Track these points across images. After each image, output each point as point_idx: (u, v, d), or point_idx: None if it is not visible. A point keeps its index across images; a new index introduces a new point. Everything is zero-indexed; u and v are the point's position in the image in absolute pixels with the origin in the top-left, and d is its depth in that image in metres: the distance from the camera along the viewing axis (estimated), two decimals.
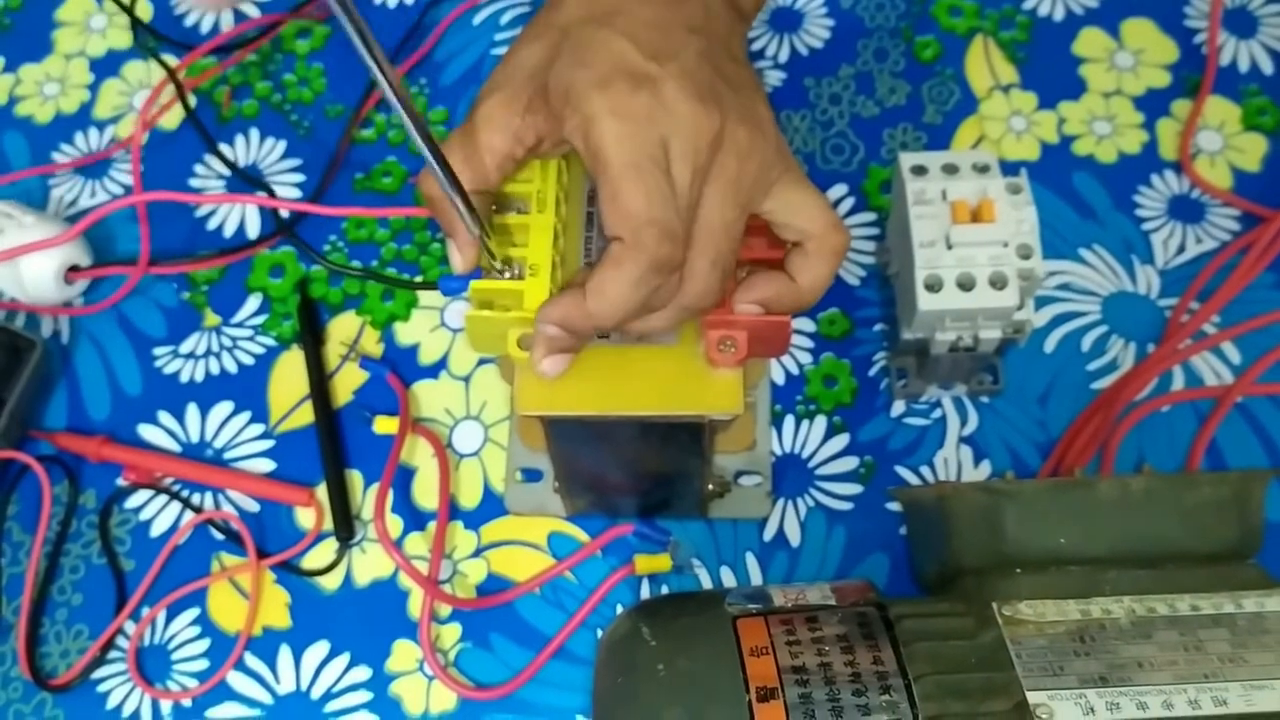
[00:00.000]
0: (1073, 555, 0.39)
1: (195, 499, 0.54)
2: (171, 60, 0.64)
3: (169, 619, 0.52)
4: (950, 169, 0.50)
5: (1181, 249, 0.57)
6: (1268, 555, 0.49)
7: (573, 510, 0.53)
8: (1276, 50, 0.62)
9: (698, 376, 0.42)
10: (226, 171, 0.61)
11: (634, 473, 0.48)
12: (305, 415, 0.56)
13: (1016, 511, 0.39)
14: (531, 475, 0.54)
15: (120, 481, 0.54)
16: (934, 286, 0.48)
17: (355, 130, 0.62)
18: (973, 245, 0.48)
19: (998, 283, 0.48)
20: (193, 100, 0.63)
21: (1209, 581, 0.38)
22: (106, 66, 0.65)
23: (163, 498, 0.54)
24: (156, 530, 0.54)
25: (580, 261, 0.44)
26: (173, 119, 0.63)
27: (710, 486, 0.51)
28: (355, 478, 0.54)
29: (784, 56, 0.63)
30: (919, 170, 0.50)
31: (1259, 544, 0.40)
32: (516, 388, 0.43)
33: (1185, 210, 0.58)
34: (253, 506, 0.54)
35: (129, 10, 0.65)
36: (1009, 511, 0.39)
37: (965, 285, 0.48)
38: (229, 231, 0.60)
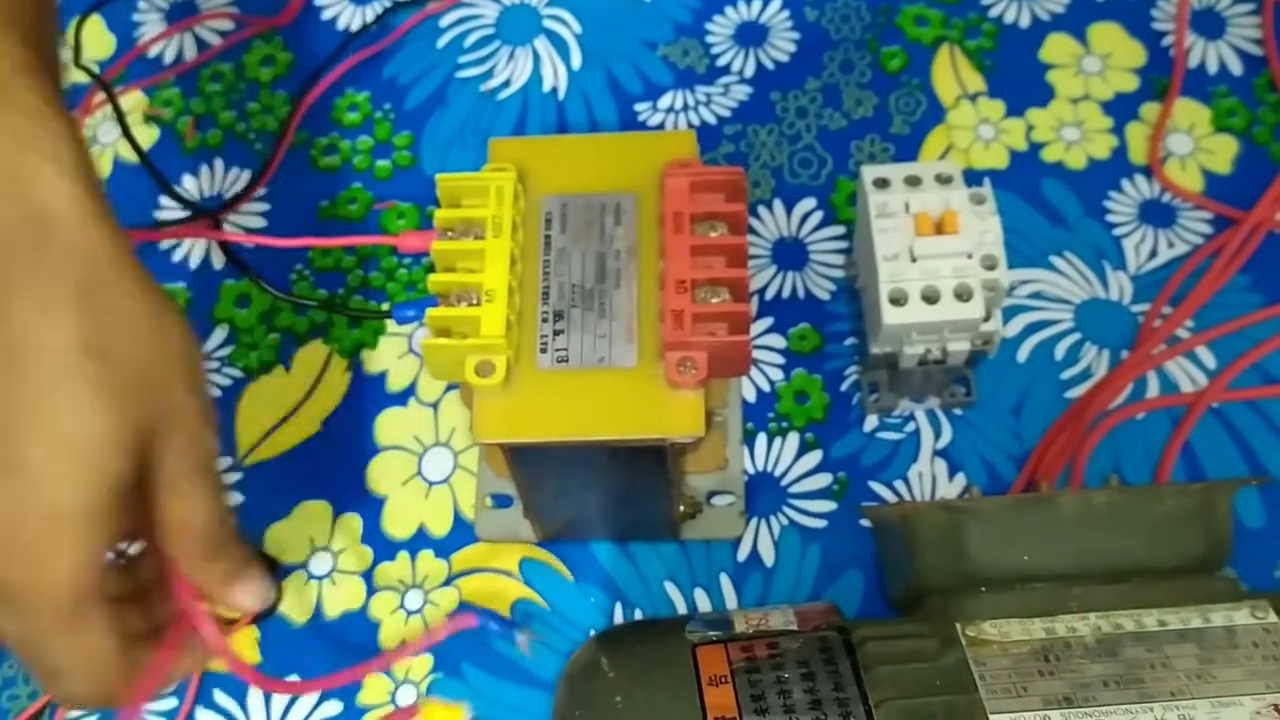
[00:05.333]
0: (1037, 572, 0.38)
1: None
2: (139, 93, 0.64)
3: None
4: (913, 181, 0.49)
5: (1154, 254, 0.57)
6: (1247, 562, 0.49)
7: (543, 535, 0.52)
8: (1245, 50, 0.62)
9: (658, 399, 0.42)
10: (190, 202, 0.61)
11: (600, 496, 0.48)
12: (274, 446, 0.55)
13: (979, 530, 0.39)
14: (502, 501, 0.53)
15: None
16: (899, 300, 0.47)
17: (319, 156, 0.62)
18: (936, 257, 0.47)
19: (963, 295, 0.47)
20: (156, 132, 0.63)
21: (1177, 595, 0.37)
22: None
23: None
24: None
25: (539, 286, 0.44)
26: (133, 151, 0.63)
27: (681, 508, 0.50)
28: (323, 508, 0.54)
29: (750, 71, 0.63)
30: (881, 183, 0.49)
31: (1228, 554, 0.40)
32: (474, 414, 0.42)
33: (1156, 215, 0.58)
34: None
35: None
36: (971, 530, 0.39)
37: (930, 298, 0.47)
38: (194, 264, 0.60)
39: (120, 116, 0.62)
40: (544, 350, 0.43)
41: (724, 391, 0.45)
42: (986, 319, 0.48)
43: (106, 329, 0.35)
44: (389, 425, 0.55)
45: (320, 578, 0.52)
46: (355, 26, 0.65)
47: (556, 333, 0.43)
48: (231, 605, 0.41)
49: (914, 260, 0.47)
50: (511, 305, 0.43)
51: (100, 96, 0.63)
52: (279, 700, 0.50)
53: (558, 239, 0.45)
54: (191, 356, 0.39)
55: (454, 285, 0.43)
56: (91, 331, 0.35)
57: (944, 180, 0.49)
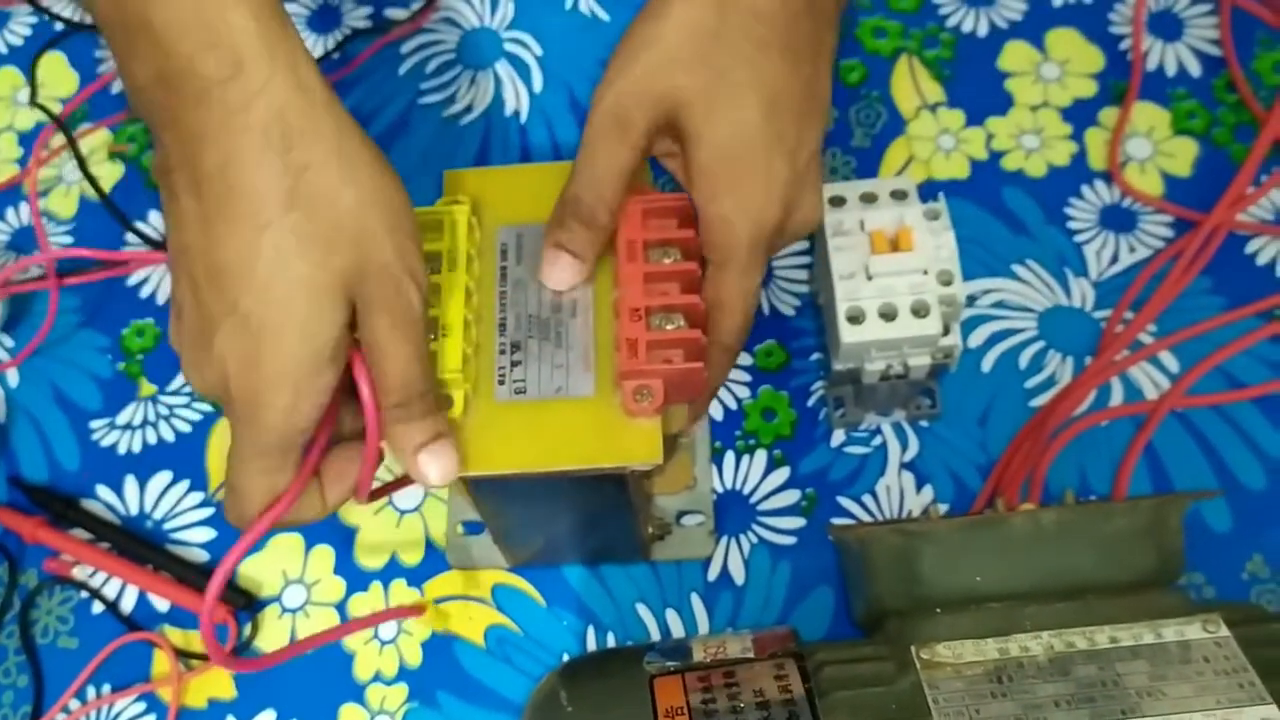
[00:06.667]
0: (991, 592, 0.38)
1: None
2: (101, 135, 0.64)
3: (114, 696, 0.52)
4: (868, 198, 0.50)
5: (1115, 259, 0.57)
6: (1215, 566, 0.49)
7: (514, 561, 0.52)
8: (1204, 51, 0.62)
9: (616, 427, 0.42)
10: (155, 237, 0.61)
11: (567, 522, 0.48)
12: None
13: (931, 552, 0.39)
14: (473, 528, 0.53)
15: (45, 570, 0.54)
16: (856, 318, 0.48)
17: None
18: (893, 275, 0.48)
19: (920, 311, 0.47)
20: (121, 168, 0.63)
21: (1130, 611, 0.37)
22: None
23: (101, 574, 0.54)
24: (99, 607, 0.53)
25: (495, 318, 0.44)
26: (105, 184, 0.63)
27: (650, 529, 0.50)
28: (295, 541, 0.54)
29: None
30: (837, 201, 0.50)
31: (1181, 568, 0.40)
32: None
33: (1117, 220, 0.58)
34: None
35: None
36: (924, 552, 0.39)
37: (887, 315, 0.47)
38: (161, 299, 0.60)
39: (79, 158, 0.62)
40: (502, 382, 0.43)
41: (683, 415, 0.45)
42: (945, 334, 0.48)
43: (307, 182, 0.36)
44: None
45: (294, 610, 0.53)
46: (316, 54, 0.66)
47: (514, 364, 0.43)
48: (415, 473, 0.40)
49: (870, 278, 0.48)
50: (468, 338, 0.43)
51: (60, 140, 0.63)
52: None
53: (514, 270, 0.45)
54: (396, 208, 0.39)
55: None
56: (292, 185, 0.36)
57: (899, 197, 0.49)
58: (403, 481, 0.45)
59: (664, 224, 0.45)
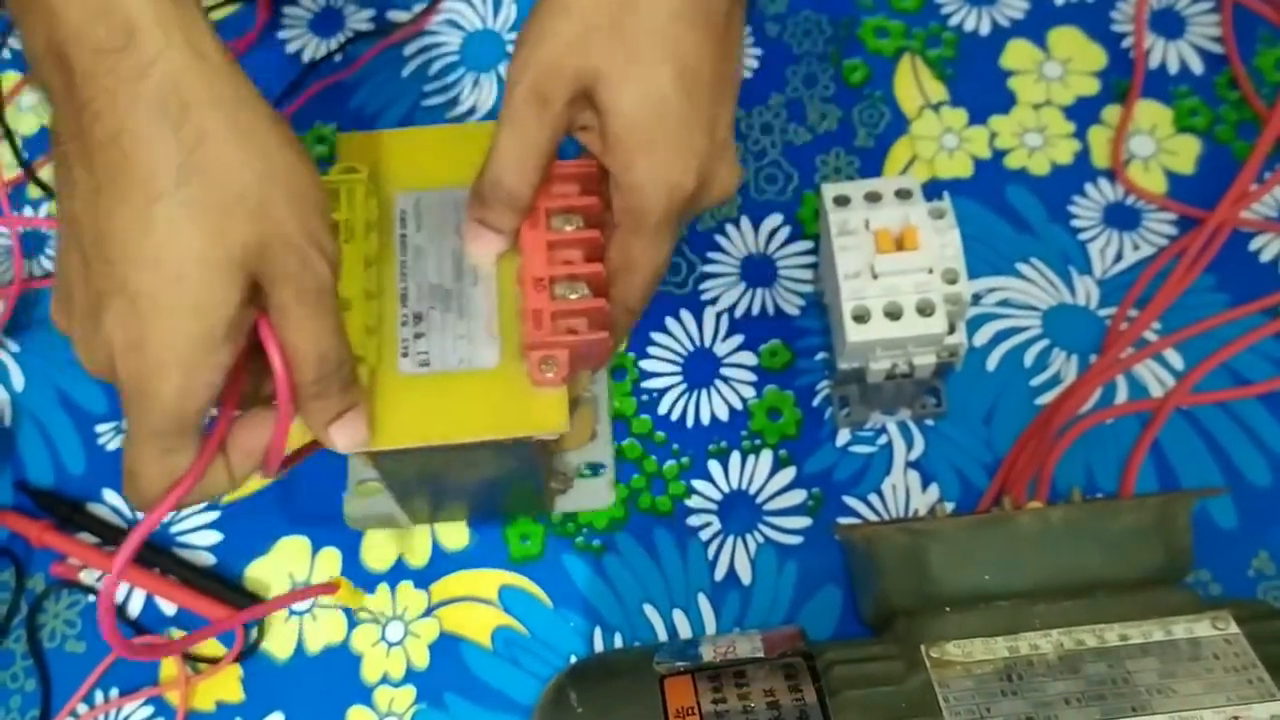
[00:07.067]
0: (999, 591, 0.39)
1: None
2: None
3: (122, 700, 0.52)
4: (873, 197, 0.50)
5: (1119, 257, 0.57)
6: (1221, 563, 0.49)
7: (416, 520, 0.52)
8: (1206, 49, 0.62)
9: (521, 398, 0.42)
10: None
11: (471, 487, 0.48)
12: (252, 483, 0.55)
13: (939, 551, 0.39)
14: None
15: (52, 575, 0.54)
16: (862, 318, 0.48)
17: None
18: (898, 274, 0.48)
19: (925, 310, 0.47)
20: None
21: (1139, 609, 0.38)
22: None
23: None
24: None
25: (397, 288, 0.44)
26: None
27: (553, 484, 0.51)
28: (302, 543, 0.54)
29: None
30: (842, 200, 0.50)
31: (1189, 565, 0.40)
32: None
33: (1121, 218, 0.58)
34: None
35: None
36: (932, 551, 0.39)
37: (893, 314, 0.47)
38: None
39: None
40: (405, 354, 0.43)
41: (588, 377, 0.45)
42: (950, 332, 0.48)
43: (203, 153, 0.35)
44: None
45: (301, 613, 0.53)
46: (318, 56, 0.66)
47: (417, 335, 0.43)
48: (324, 441, 0.40)
49: (875, 277, 0.48)
50: (369, 311, 0.42)
51: None
52: None
53: (414, 237, 0.45)
54: (300, 180, 0.38)
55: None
56: (187, 156, 0.35)
57: (903, 195, 0.49)
58: (310, 448, 0.44)
59: (566, 190, 0.44)
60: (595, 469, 0.53)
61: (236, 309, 0.36)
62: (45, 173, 0.63)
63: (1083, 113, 0.61)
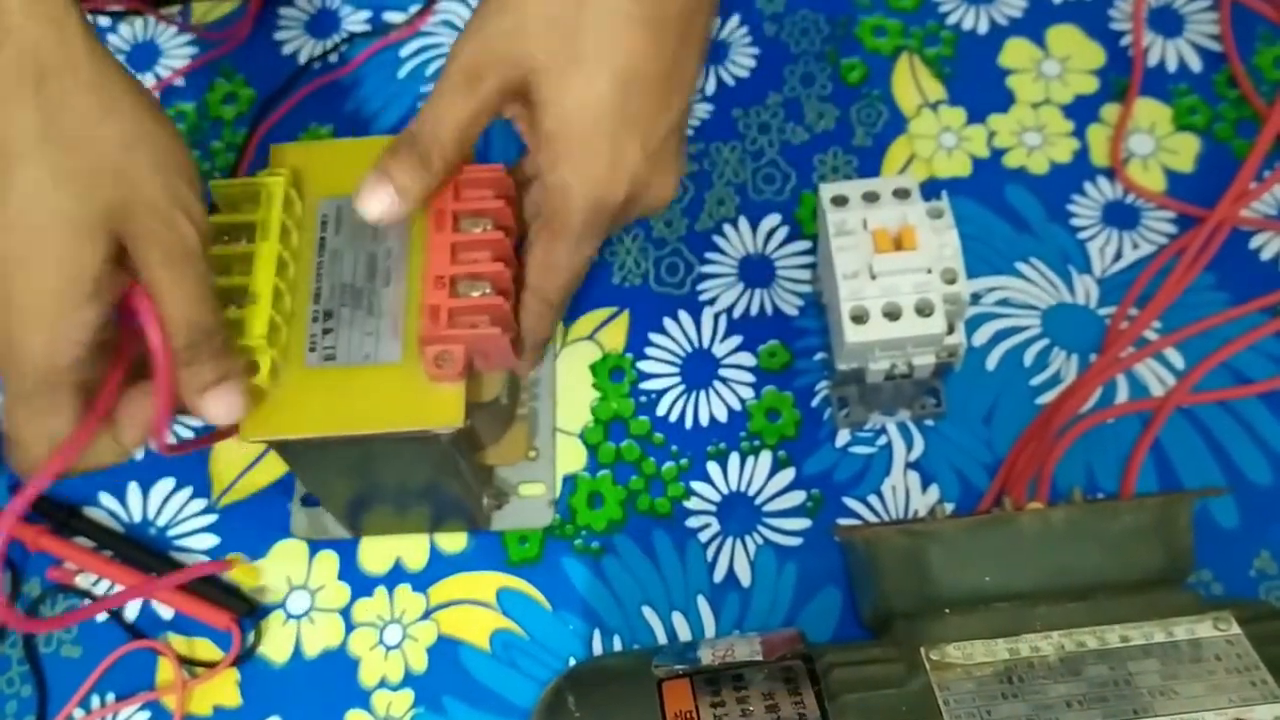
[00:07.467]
0: (1000, 592, 0.38)
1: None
2: None
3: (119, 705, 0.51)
4: (871, 197, 0.49)
5: (1119, 256, 0.57)
6: (1223, 563, 0.49)
7: (354, 532, 0.53)
8: (1205, 47, 0.62)
9: (419, 392, 0.43)
10: None
11: (392, 491, 0.49)
12: (248, 486, 0.55)
13: (939, 552, 0.39)
14: (313, 499, 0.54)
15: (48, 579, 0.54)
16: (860, 318, 0.47)
17: None
18: (896, 274, 0.47)
19: (924, 310, 0.47)
20: None
21: (1140, 610, 0.37)
22: None
23: (106, 581, 0.54)
24: (102, 615, 0.53)
25: (311, 287, 0.45)
26: None
27: (487, 499, 0.51)
28: (299, 547, 0.54)
29: (711, 88, 0.63)
30: (840, 201, 0.49)
31: (1190, 566, 0.40)
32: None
33: (1120, 216, 0.58)
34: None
35: None
36: (932, 553, 0.39)
37: (891, 315, 0.47)
38: None
39: None
40: (313, 349, 0.44)
41: (499, 382, 0.46)
42: (949, 333, 0.48)
43: (62, 117, 0.36)
44: None
45: (298, 616, 0.52)
46: (315, 58, 0.65)
47: (325, 331, 0.44)
48: (199, 412, 0.40)
49: (874, 277, 0.48)
50: (279, 308, 0.44)
51: None
52: None
53: (332, 240, 0.46)
54: (163, 146, 0.38)
55: (224, 290, 0.44)
56: (46, 120, 0.36)
57: (901, 195, 0.49)
58: (215, 436, 0.45)
59: (479, 194, 0.46)
60: (533, 488, 0.53)
61: (100, 266, 0.36)
62: None
63: (1081, 111, 0.60)
